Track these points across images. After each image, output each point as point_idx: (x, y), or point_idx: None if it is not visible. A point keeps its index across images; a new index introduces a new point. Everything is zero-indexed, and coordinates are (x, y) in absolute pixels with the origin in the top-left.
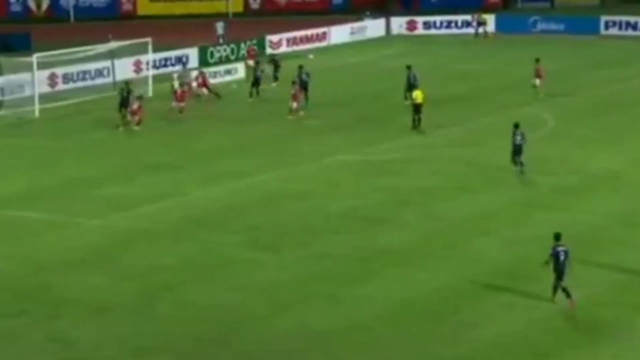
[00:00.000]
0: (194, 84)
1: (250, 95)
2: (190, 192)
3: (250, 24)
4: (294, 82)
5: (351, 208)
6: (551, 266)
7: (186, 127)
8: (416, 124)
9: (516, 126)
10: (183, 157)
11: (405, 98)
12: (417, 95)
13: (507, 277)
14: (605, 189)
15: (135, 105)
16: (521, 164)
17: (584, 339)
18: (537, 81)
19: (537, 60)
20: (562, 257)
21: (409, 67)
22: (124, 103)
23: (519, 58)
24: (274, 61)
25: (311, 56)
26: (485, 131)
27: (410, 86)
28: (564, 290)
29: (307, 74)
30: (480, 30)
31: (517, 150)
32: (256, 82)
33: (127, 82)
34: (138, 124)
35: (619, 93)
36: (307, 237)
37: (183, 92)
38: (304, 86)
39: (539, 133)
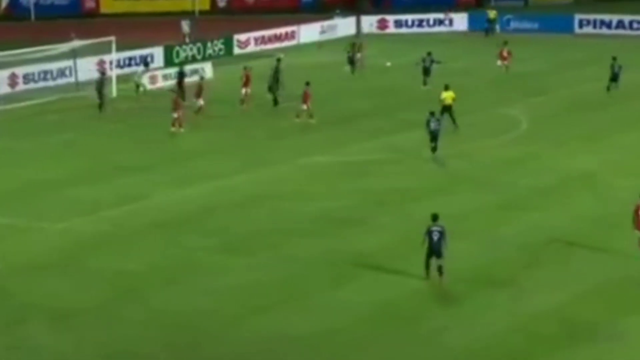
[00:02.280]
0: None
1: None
2: (160, 194)
3: (217, 23)
4: (307, 83)
5: (326, 210)
6: (426, 245)
7: (158, 127)
8: (456, 124)
9: (432, 114)
10: (154, 159)
11: (424, 84)
12: (447, 96)
13: (483, 279)
14: (581, 190)
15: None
16: (434, 148)
17: (562, 342)
18: (503, 63)
19: (505, 43)
20: (435, 237)
21: (429, 53)
22: (100, 87)
23: (491, 58)
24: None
25: (282, 55)
26: (461, 132)
27: (426, 71)
28: (439, 267)
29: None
30: (493, 28)
31: (433, 137)
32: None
33: (103, 72)
34: (180, 124)
35: (594, 93)
36: (280, 240)
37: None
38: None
39: (514, 133)
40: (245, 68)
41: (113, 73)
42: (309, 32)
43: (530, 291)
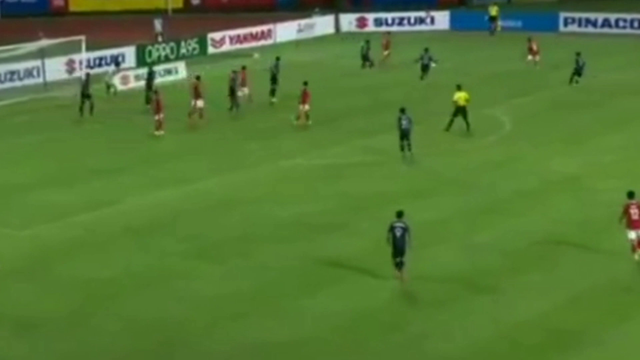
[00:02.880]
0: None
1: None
2: (133, 198)
3: (191, 21)
4: (305, 83)
5: (303, 215)
6: (390, 242)
7: (131, 128)
8: (450, 127)
9: (402, 111)
10: (127, 161)
11: (422, 78)
12: (460, 97)
13: (465, 285)
14: (563, 193)
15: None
16: (409, 147)
17: (548, 350)
18: (533, 58)
19: (529, 39)
20: (398, 234)
21: (426, 50)
22: (85, 91)
23: (474, 58)
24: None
25: (256, 55)
26: (442, 134)
27: (424, 67)
28: (399, 264)
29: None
30: (495, 26)
31: (403, 135)
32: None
33: (88, 74)
34: (157, 126)
35: (578, 93)
36: (254, 246)
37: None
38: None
39: (497, 135)
40: (243, 68)
41: (82, 73)
42: (285, 31)
43: (514, 297)
